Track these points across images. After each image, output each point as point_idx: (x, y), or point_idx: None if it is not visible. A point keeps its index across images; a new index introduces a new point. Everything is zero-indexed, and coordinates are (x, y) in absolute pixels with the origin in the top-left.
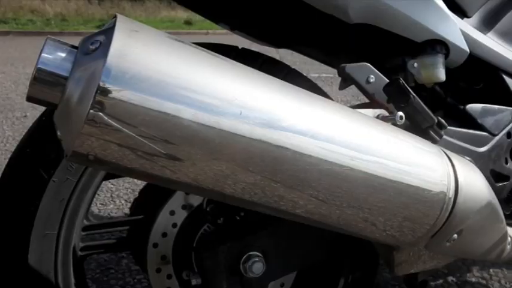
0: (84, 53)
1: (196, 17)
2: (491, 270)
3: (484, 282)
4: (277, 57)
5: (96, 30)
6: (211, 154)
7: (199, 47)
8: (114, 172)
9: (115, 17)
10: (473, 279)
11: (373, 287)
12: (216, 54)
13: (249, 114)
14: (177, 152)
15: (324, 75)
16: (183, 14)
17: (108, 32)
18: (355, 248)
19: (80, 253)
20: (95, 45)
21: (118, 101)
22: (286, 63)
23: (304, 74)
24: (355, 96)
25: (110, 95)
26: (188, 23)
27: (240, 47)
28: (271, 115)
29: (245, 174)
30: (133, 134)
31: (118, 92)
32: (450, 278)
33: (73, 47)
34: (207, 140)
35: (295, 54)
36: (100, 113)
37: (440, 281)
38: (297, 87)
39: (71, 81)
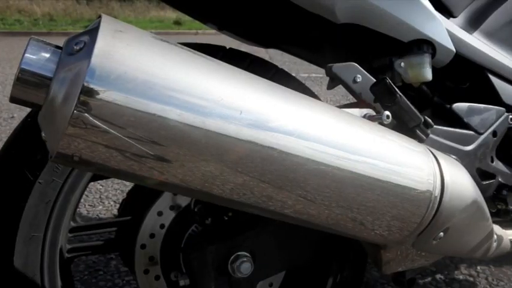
0: (68, 54)
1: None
2: (478, 267)
3: (471, 279)
4: (266, 57)
5: (81, 31)
6: (197, 155)
7: (185, 47)
8: (100, 173)
9: (100, 17)
10: (461, 277)
11: (362, 286)
12: (202, 54)
13: (235, 115)
14: (163, 153)
15: (314, 75)
16: (172, 14)
17: (92, 32)
18: (343, 247)
19: (66, 255)
20: (79, 46)
21: (103, 102)
22: (276, 63)
23: (294, 74)
24: (345, 96)
25: (94, 96)
26: (177, 23)
27: (227, 47)
28: (258, 115)
29: (233, 174)
30: (119, 135)
31: (103, 93)
32: (438, 276)
33: (57, 47)
34: (193, 140)
35: (285, 54)
36: (84, 114)
37: (429, 279)
38: (284, 87)
39: (55, 81)
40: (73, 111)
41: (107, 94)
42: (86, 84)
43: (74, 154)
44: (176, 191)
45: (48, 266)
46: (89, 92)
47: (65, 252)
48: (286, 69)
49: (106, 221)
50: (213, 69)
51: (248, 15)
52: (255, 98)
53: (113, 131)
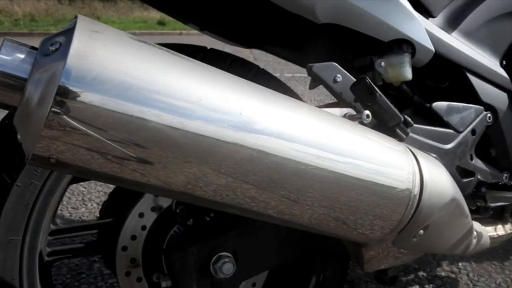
0: (43, 54)
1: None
2: (460, 264)
3: (453, 276)
4: (251, 57)
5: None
6: (174, 156)
7: (163, 48)
8: (79, 175)
9: (76, 17)
10: (443, 274)
11: (346, 284)
12: (180, 54)
13: (214, 116)
14: (142, 155)
15: (298, 74)
16: (156, 14)
17: (68, 32)
18: (325, 246)
19: (46, 258)
20: (54, 46)
21: (79, 103)
22: (261, 63)
23: (278, 74)
24: (329, 96)
25: (70, 97)
26: (161, 23)
27: (208, 48)
28: (238, 116)
29: (216, 176)
30: (96, 136)
31: (79, 94)
32: (421, 273)
33: (32, 48)
34: (171, 142)
35: (269, 54)
36: (60, 116)
37: (412, 276)
38: (265, 87)
39: (30, 83)
40: (49, 113)
41: (83, 95)
42: (61, 85)
43: (50, 156)
44: (157, 193)
45: (27, 270)
46: (64, 93)
47: (44, 255)
48: (271, 69)
49: (87, 224)
50: (191, 69)
51: (229, 16)
52: (234, 99)
53: (90, 133)
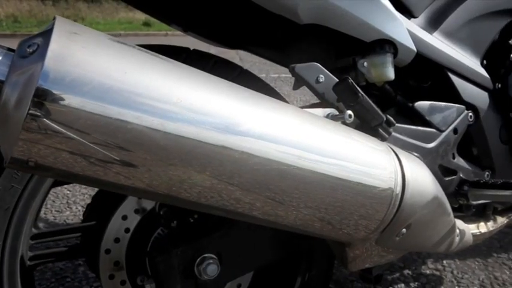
0: (21, 56)
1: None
2: (444, 261)
3: (437, 273)
4: (237, 57)
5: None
6: (154, 158)
7: (143, 49)
8: (59, 178)
9: (54, 19)
10: (428, 271)
11: (331, 284)
12: (161, 56)
13: (194, 117)
14: (123, 157)
15: (284, 75)
16: (141, 15)
17: (46, 34)
18: (310, 247)
19: (28, 263)
20: (32, 48)
21: (57, 105)
22: (246, 63)
23: (264, 75)
24: (314, 96)
25: (48, 99)
26: (147, 24)
27: (191, 48)
28: (219, 118)
29: (201, 178)
30: (76, 139)
31: (57, 96)
32: (406, 271)
33: (9, 49)
34: (152, 143)
35: (254, 54)
36: (38, 118)
37: (397, 274)
38: (247, 89)
39: (7, 85)
40: (26, 115)
41: (61, 97)
42: (39, 87)
43: (29, 159)
44: (141, 195)
45: (8, 275)
46: (42, 96)
47: (26, 260)
48: (257, 70)
49: (70, 227)
50: (171, 71)
51: (212, 17)
52: (215, 100)
53: (69, 135)
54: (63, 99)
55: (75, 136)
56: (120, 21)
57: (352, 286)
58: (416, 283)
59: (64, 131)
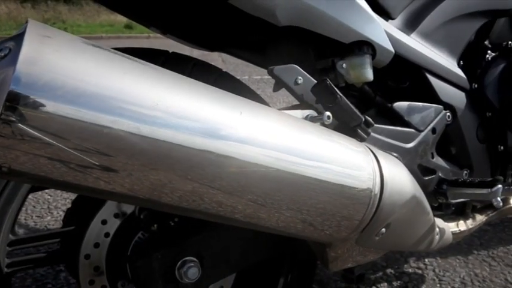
0: None
1: None
2: (426, 260)
3: (420, 272)
4: (219, 60)
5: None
6: (129, 162)
7: (118, 52)
8: (34, 184)
9: (27, 22)
10: (410, 270)
11: (314, 284)
12: (136, 59)
13: (171, 121)
14: (99, 161)
15: (266, 77)
16: (123, 18)
17: (18, 38)
18: (292, 248)
19: (6, 270)
20: (4, 52)
21: (30, 110)
22: (229, 65)
23: (247, 76)
24: None
25: (21, 103)
26: (129, 27)
27: (170, 51)
28: (196, 122)
29: (182, 182)
30: (50, 143)
31: (30, 100)
32: (388, 270)
33: None
34: (127, 148)
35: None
36: (11, 122)
37: (380, 273)
38: (225, 91)
39: None
40: None
41: (34, 101)
42: (11, 91)
43: (2, 165)
44: (121, 200)
45: None
46: (14, 100)
47: (3, 267)
48: (240, 72)
49: (49, 232)
50: (147, 74)
51: (191, 19)
52: (190, 103)
53: (43, 140)
54: (36, 104)
55: (50, 140)
56: (102, 24)
57: (335, 286)
58: (399, 282)
59: (38, 135)
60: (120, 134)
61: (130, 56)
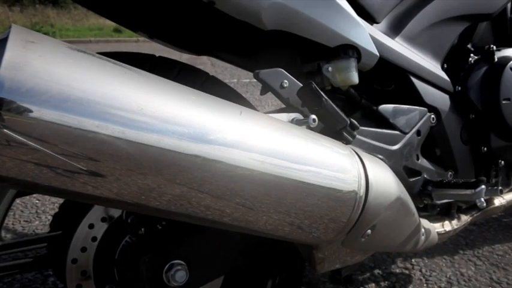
0: None
1: None
2: (413, 260)
3: (407, 272)
4: (208, 63)
5: None
6: (115, 166)
7: (103, 57)
8: (19, 189)
9: (10, 27)
10: (398, 270)
11: (303, 286)
12: (121, 63)
13: (157, 126)
14: (84, 166)
15: (255, 80)
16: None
17: (1, 43)
18: (280, 249)
19: None
20: None
21: (14, 115)
22: (218, 68)
23: (235, 80)
24: None
25: (4, 109)
26: (117, 31)
27: (157, 55)
28: (182, 126)
29: (170, 186)
30: (34, 148)
31: (13, 105)
32: (376, 271)
33: None
34: (113, 152)
35: (221, 60)
36: None
37: (367, 274)
38: (211, 96)
39: None
40: None
41: (17, 107)
42: None
43: None
44: (108, 205)
45: None
46: None
47: None
48: (228, 75)
49: (36, 237)
50: (131, 78)
51: (177, 23)
52: (175, 107)
53: (27, 145)
54: (20, 109)
55: (35, 146)
56: (91, 28)
57: (324, 287)
58: (386, 282)
59: (23, 140)
60: (105, 138)
61: (115, 61)
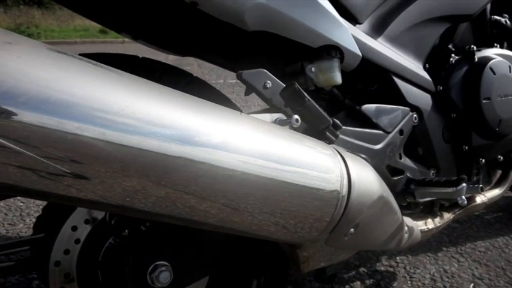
0: None
1: None
2: (397, 258)
3: (391, 269)
4: (195, 64)
5: None
6: (99, 169)
7: (83, 58)
8: (1, 192)
9: None
10: (382, 268)
11: (289, 285)
12: (103, 65)
13: (139, 126)
14: (67, 169)
15: None
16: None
17: None
18: (265, 249)
19: None
20: None
21: None
22: (204, 69)
23: (222, 80)
24: None
25: None
26: (103, 31)
27: (140, 56)
28: (164, 128)
29: (155, 188)
30: (12, 150)
31: None
32: (361, 269)
33: None
34: (95, 154)
35: (205, 61)
36: None
37: (353, 272)
38: (194, 97)
39: None
40: None
41: None
42: None
43: None
44: (90, 207)
45: None
46: None
47: None
48: (215, 75)
49: (19, 240)
50: (112, 80)
51: (161, 24)
52: (158, 108)
53: (6, 147)
54: None
55: (14, 148)
56: (76, 29)
57: (310, 286)
58: (371, 280)
59: (2, 142)
60: (86, 140)
61: (96, 62)
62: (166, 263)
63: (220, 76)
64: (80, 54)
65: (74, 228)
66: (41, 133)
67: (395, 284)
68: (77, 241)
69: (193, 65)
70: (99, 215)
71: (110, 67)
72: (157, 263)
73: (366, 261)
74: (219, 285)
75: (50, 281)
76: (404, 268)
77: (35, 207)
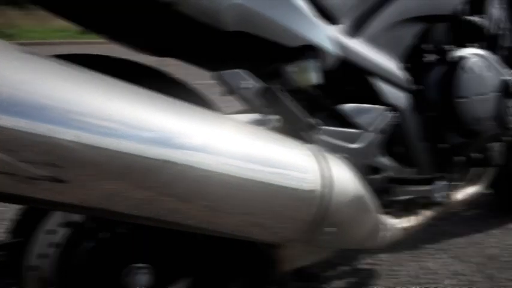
0: None
1: None
2: (378, 256)
3: (374, 268)
4: (178, 64)
5: None
6: (74, 171)
7: (56, 60)
8: None
9: None
10: (366, 266)
11: (274, 284)
12: (77, 66)
13: (112, 129)
14: (41, 171)
15: None
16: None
17: None
18: (246, 249)
19: None
20: None
21: None
22: (191, 70)
23: (207, 81)
24: None
25: None
26: (84, 32)
27: (111, 56)
28: (142, 130)
29: (133, 191)
30: None
31: None
32: (345, 268)
33: None
34: (70, 156)
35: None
36: None
37: (335, 271)
38: (171, 98)
39: None
40: None
41: None
42: None
43: None
44: (68, 211)
45: None
46: None
47: None
48: (199, 75)
49: None
50: (87, 81)
51: (137, 25)
52: (136, 110)
53: None
54: None
55: None
56: (56, 29)
57: (294, 285)
58: (354, 278)
59: None
60: (60, 143)
61: (70, 63)
62: (145, 266)
63: (205, 76)
64: (54, 56)
65: (50, 232)
66: (12, 136)
67: (377, 282)
68: (54, 245)
69: (178, 65)
70: (77, 218)
71: (83, 68)
72: (136, 265)
73: (347, 259)
74: (201, 286)
75: (28, 287)
76: (386, 266)
77: (16, 211)
